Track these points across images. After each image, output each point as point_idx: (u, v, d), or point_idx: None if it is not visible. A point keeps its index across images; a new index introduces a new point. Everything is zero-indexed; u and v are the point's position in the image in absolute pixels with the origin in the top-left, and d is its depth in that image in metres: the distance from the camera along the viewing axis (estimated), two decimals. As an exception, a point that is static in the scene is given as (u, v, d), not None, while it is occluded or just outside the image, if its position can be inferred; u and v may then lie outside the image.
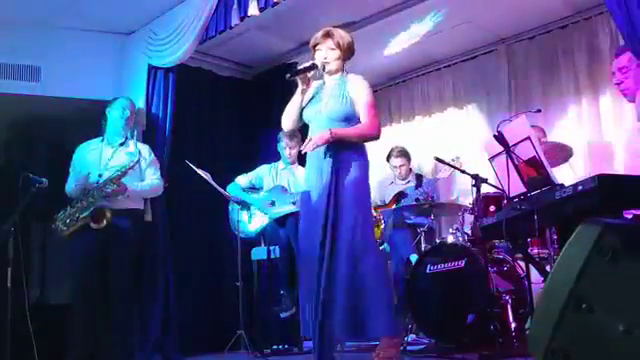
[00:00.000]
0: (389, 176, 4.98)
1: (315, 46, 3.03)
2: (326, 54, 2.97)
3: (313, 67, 2.96)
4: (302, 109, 3.04)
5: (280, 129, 4.55)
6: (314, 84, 3.07)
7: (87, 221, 3.71)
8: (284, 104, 5.15)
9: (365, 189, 2.90)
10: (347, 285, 2.71)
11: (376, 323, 2.72)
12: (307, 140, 2.88)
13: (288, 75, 3.03)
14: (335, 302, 2.71)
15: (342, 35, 2.98)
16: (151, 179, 4.00)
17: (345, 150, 2.86)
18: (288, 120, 3.10)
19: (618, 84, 2.85)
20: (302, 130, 3.35)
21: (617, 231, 1.74)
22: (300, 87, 2.99)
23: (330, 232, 2.76)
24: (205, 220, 4.86)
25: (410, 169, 4.99)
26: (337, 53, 2.96)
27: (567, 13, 4.75)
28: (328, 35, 2.97)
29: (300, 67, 2.99)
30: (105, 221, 3.71)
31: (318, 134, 2.84)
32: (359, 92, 2.91)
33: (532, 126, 4.13)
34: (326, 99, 2.96)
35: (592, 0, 4.49)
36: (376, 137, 2.93)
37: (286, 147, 4.51)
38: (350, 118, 2.91)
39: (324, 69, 2.99)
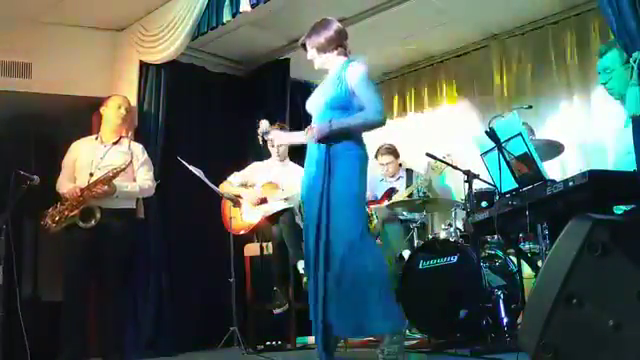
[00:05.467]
0: (379, 173, 4.98)
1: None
2: (310, 54, 3.03)
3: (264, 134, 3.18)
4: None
5: (273, 124, 4.63)
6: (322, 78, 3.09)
7: (75, 220, 3.70)
8: (277, 100, 5.24)
9: (356, 183, 2.80)
10: (341, 283, 2.71)
11: (375, 320, 2.67)
12: (306, 130, 2.86)
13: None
14: (331, 298, 2.71)
15: (315, 32, 2.99)
16: (143, 180, 3.97)
17: (340, 141, 2.80)
18: None
19: (604, 84, 2.86)
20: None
21: (607, 227, 1.75)
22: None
23: (324, 230, 2.74)
24: (198, 217, 4.85)
25: (399, 165, 4.99)
26: (313, 52, 3.00)
27: (558, 9, 4.77)
28: (307, 37, 3.03)
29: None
30: (94, 221, 3.69)
31: (317, 127, 2.82)
32: (355, 77, 2.82)
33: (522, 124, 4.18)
34: (323, 86, 2.96)
35: (582, -3, 4.53)
36: (380, 123, 2.81)
37: (275, 145, 4.49)
38: (347, 105, 2.82)
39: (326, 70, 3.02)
